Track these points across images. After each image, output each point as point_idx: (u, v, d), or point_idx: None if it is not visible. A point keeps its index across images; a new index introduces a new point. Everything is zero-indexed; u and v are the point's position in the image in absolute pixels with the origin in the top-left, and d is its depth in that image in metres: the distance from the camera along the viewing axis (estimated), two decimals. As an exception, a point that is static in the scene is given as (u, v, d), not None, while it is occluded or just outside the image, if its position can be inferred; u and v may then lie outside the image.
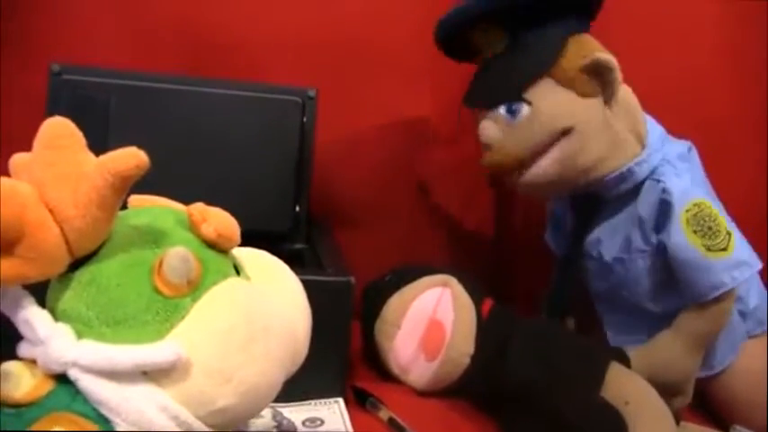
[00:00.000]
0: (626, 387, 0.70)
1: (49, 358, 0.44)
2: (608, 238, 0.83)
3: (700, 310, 0.79)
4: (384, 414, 0.74)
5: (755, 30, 1.06)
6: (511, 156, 0.78)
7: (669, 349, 0.80)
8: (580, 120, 0.77)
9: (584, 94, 0.77)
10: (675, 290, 0.80)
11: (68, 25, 0.95)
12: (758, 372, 0.82)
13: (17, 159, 0.47)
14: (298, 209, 0.87)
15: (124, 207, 0.52)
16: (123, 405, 0.44)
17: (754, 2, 1.05)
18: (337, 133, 0.98)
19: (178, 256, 0.46)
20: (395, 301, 0.81)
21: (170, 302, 0.46)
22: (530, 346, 0.74)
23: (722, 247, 0.77)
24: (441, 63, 0.94)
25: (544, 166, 0.78)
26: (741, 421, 0.79)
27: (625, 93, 0.80)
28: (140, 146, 0.45)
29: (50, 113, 0.49)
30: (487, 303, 0.81)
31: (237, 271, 0.51)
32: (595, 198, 0.83)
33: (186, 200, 0.53)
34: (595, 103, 0.77)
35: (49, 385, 0.44)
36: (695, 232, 0.77)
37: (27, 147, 0.46)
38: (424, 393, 0.79)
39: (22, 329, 0.46)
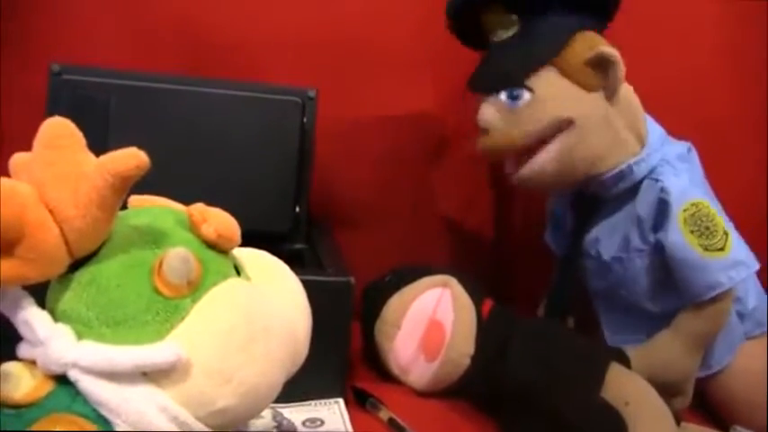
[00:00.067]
0: (626, 387, 0.70)
1: (48, 359, 0.44)
2: (606, 237, 0.83)
3: (698, 311, 0.79)
4: (384, 414, 0.74)
5: (755, 30, 1.06)
6: (507, 141, 0.78)
7: (668, 349, 0.81)
8: (581, 113, 0.77)
9: (586, 87, 0.77)
10: (673, 289, 0.80)
11: (68, 25, 0.95)
12: (757, 372, 0.82)
13: (17, 159, 0.47)
14: (298, 209, 0.87)
15: (124, 207, 0.52)
16: (123, 406, 0.44)
17: (754, 2, 1.05)
18: (337, 133, 0.98)
19: (178, 256, 0.46)
20: (395, 302, 0.81)
21: (170, 303, 0.46)
22: (530, 347, 0.74)
23: (719, 246, 0.77)
24: (441, 63, 0.95)
25: (542, 160, 0.79)
26: (741, 421, 0.79)
27: (626, 91, 0.80)
28: (140, 146, 0.45)
29: (50, 113, 0.49)
30: (487, 304, 0.81)
31: (238, 271, 0.51)
32: (594, 197, 0.84)
33: (186, 200, 0.53)
34: (597, 97, 0.78)
35: (48, 386, 0.44)
36: (692, 232, 0.77)
37: (27, 147, 0.46)
38: (424, 394, 0.79)
39: (22, 330, 0.46)
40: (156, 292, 0.46)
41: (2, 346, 0.46)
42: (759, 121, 1.06)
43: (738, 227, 0.82)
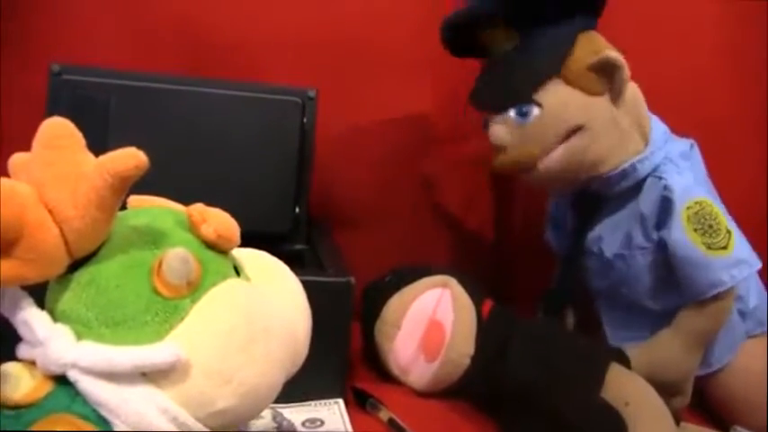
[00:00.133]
0: (626, 388, 0.70)
1: (48, 359, 0.44)
2: (609, 235, 0.83)
3: (699, 309, 0.79)
4: (384, 415, 0.74)
5: (755, 30, 1.06)
6: (525, 157, 0.79)
7: (668, 348, 0.81)
8: (589, 118, 0.77)
9: (592, 93, 0.77)
10: (675, 287, 0.80)
11: (68, 25, 0.95)
12: (758, 372, 0.82)
13: (16, 159, 0.47)
14: (298, 210, 0.87)
15: (123, 207, 0.52)
16: (123, 406, 0.44)
17: (754, 2, 1.05)
18: (337, 134, 0.98)
19: (178, 257, 0.46)
20: (395, 302, 0.81)
21: (169, 303, 0.46)
22: (530, 347, 0.74)
23: (722, 245, 0.77)
24: (441, 63, 0.94)
25: (550, 163, 0.79)
26: (741, 421, 0.79)
27: (632, 90, 0.80)
28: (140, 146, 0.45)
29: (50, 113, 0.49)
30: (487, 304, 0.81)
31: (237, 272, 0.51)
32: (597, 195, 0.84)
33: (186, 200, 0.53)
34: (603, 100, 0.78)
35: (48, 387, 0.44)
36: (695, 230, 0.77)
37: (27, 147, 0.46)
38: (424, 394, 0.79)
39: (21, 331, 0.46)
40: (156, 292, 0.46)
41: (1, 346, 0.46)
42: (759, 120, 1.06)
43: (738, 226, 0.82)
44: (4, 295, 0.46)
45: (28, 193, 0.44)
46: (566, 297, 0.91)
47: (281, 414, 0.68)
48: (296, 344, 0.53)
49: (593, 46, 0.78)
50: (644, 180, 0.80)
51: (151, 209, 0.52)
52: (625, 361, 0.76)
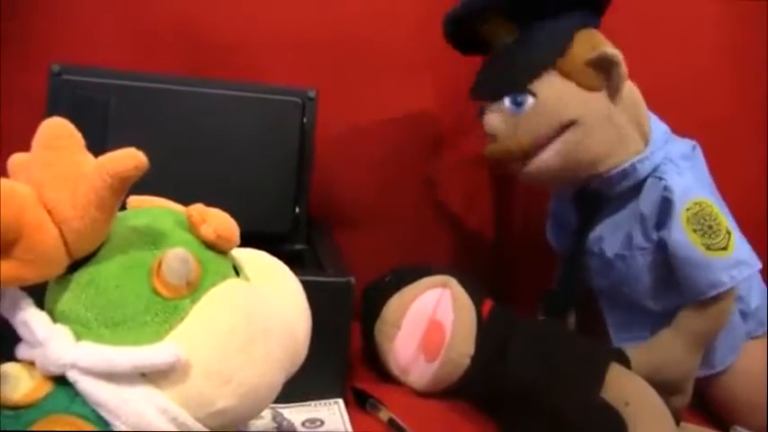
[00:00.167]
0: (626, 388, 0.70)
1: (47, 360, 0.44)
2: (610, 235, 0.83)
3: (700, 309, 0.79)
4: (384, 415, 0.74)
5: (755, 30, 1.06)
6: (515, 146, 0.79)
7: (668, 348, 0.81)
8: (584, 112, 0.77)
9: (588, 88, 0.77)
10: (675, 288, 0.80)
11: (68, 25, 0.95)
12: (759, 373, 0.82)
13: (15, 160, 0.47)
14: (298, 210, 0.87)
15: (123, 208, 0.52)
16: (122, 407, 0.44)
17: (754, 2, 1.05)
18: (337, 134, 0.98)
19: (177, 257, 0.46)
20: (395, 302, 0.80)
21: (169, 304, 0.46)
22: (530, 347, 0.74)
23: (722, 246, 0.77)
24: (441, 63, 0.95)
25: (546, 158, 0.79)
26: (741, 422, 0.79)
27: (630, 89, 0.80)
28: (140, 146, 0.45)
29: (50, 114, 0.49)
30: (487, 304, 0.81)
31: (237, 272, 0.51)
32: (598, 195, 0.84)
33: (186, 201, 0.53)
34: (600, 96, 0.78)
35: (47, 387, 0.44)
36: (695, 231, 0.77)
37: (27, 147, 0.46)
38: (423, 394, 0.79)
39: (21, 331, 0.46)
40: (155, 292, 0.46)
41: (1, 346, 0.46)
42: (759, 120, 1.06)
43: (739, 226, 0.82)
44: (3, 296, 0.46)
45: (27, 193, 0.44)
46: (567, 297, 0.91)
47: (281, 414, 0.68)
48: (295, 344, 0.53)
49: (591, 42, 0.78)
50: (644, 180, 0.80)
51: (151, 209, 0.52)
52: (625, 361, 0.76)
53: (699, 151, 0.85)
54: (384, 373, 0.82)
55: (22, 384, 0.44)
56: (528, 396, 0.70)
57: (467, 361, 0.77)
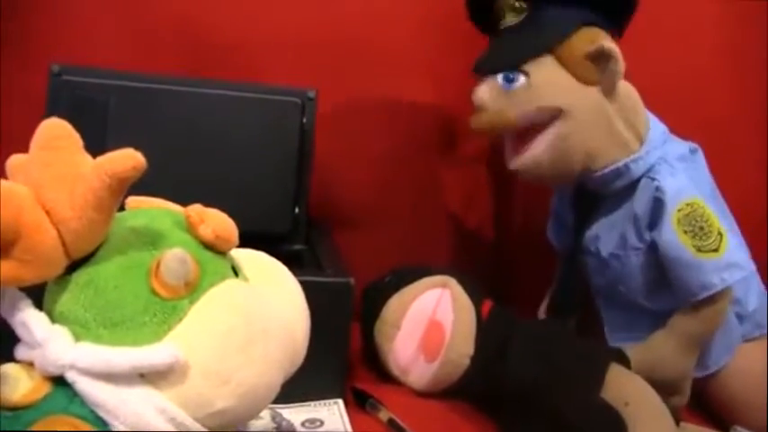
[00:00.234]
0: (626, 388, 0.70)
1: (46, 361, 0.44)
2: (605, 234, 0.84)
3: (693, 311, 0.80)
4: (384, 415, 0.74)
5: (755, 30, 1.06)
6: (501, 119, 0.79)
7: (662, 348, 0.81)
8: (574, 104, 0.78)
9: (583, 80, 0.78)
10: (668, 288, 0.80)
11: (68, 25, 0.95)
12: (757, 375, 0.81)
13: (14, 161, 0.47)
14: (297, 210, 0.87)
15: (122, 208, 0.52)
16: (121, 407, 0.44)
17: (754, 2, 1.05)
18: (337, 134, 0.98)
19: (176, 257, 0.46)
20: (394, 302, 0.80)
21: (167, 304, 0.46)
22: (530, 348, 0.74)
23: (713, 248, 0.77)
24: (441, 63, 0.95)
25: (536, 150, 0.79)
26: (740, 422, 0.79)
27: (626, 89, 0.80)
28: (139, 147, 0.45)
29: (50, 114, 0.49)
30: (487, 304, 0.81)
31: (236, 272, 0.51)
32: (594, 194, 0.84)
33: (185, 201, 0.53)
34: (593, 91, 0.78)
35: (46, 388, 0.44)
36: (686, 232, 0.77)
37: (26, 147, 0.46)
38: (423, 394, 0.79)
39: (20, 332, 0.46)
40: (154, 293, 0.46)
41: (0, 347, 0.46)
42: (759, 120, 1.06)
43: (739, 226, 0.82)
44: (2, 296, 0.46)
45: (25, 194, 0.44)
46: (570, 296, 0.91)
47: (281, 414, 0.68)
48: (294, 344, 0.53)
49: (594, 36, 0.78)
50: (639, 180, 0.80)
51: (149, 210, 0.52)
52: (625, 361, 0.76)
53: (700, 154, 0.85)
54: (384, 374, 0.82)
55: (21, 385, 0.44)
56: (528, 396, 0.70)
57: (466, 361, 0.77)
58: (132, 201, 0.54)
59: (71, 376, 0.44)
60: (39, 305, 0.47)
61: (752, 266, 0.81)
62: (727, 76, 1.06)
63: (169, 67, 0.92)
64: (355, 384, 0.79)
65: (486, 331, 0.78)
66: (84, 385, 0.44)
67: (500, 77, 0.79)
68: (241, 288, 0.50)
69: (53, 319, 0.46)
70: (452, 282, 0.80)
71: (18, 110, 0.89)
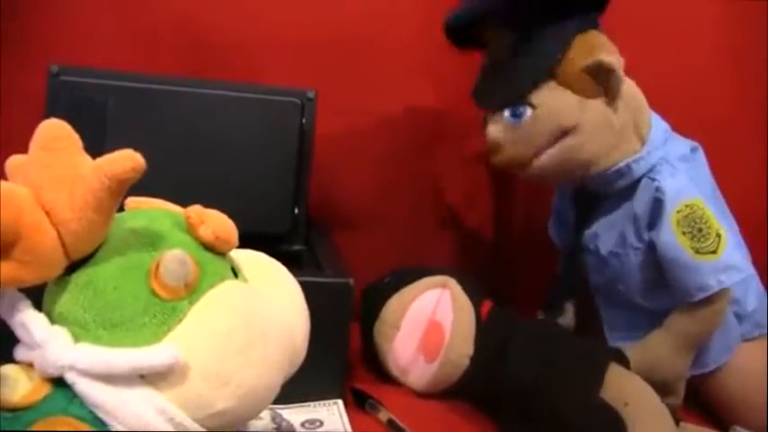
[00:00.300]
0: (625, 388, 0.70)
1: (45, 362, 0.44)
2: (605, 233, 0.84)
3: (690, 311, 0.80)
4: (383, 415, 0.74)
5: (755, 30, 1.06)
6: (517, 156, 0.80)
7: (659, 348, 0.81)
8: (582, 120, 0.78)
9: (586, 95, 0.78)
10: (666, 288, 0.80)
11: (68, 25, 0.95)
12: (757, 375, 0.81)
13: (13, 161, 0.47)
14: (297, 211, 0.87)
15: (121, 209, 0.51)
16: (120, 408, 0.44)
17: (754, 2, 1.05)
18: (337, 134, 0.98)
19: (175, 258, 0.46)
20: (394, 303, 0.80)
21: (167, 305, 0.46)
22: (529, 348, 0.74)
23: (711, 249, 0.77)
24: (441, 63, 0.95)
25: (545, 161, 0.79)
26: (739, 422, 0.79)
27: (629, 89, 0.80)
28: (138, 147, 0.45)
29: (49, 115, 0.49)
30: (487, 305, 0.81)
31: (235, 273, 0.51)
32: (595, 193, 0.84)
33: (184, 202, 0.53)
34: (597, 102, 0.78)
35: (45, 389, 0.44)
36: (684, 233, 0.77)
37: (26, 148, 0.46)
38: (423, 395, 0.79)
39: (19, 333, 0.46)
40: (153, 294, 0.46)
41: (-1, 348, 0.46)
42: (759, 120, 1.06)
43: (739, 226, 0.82)
44: (1, 297, 0.46)
45: (25, 195, 0.44)
46: (569, 290, 0.92)
47: (280, 415, 0.68)
48: (294, 345, 0.53)
49: (589, 48, 0.77)
50: (640, 180, 0.80)
51: (149, 211, 0.52)
52: (624, 361, 0.76)
53: (700, 153, 0.85)
54: (383, 374, 0.82)
55: (20, 386, 0.44)
56: (527, 396, 0.70)
57: (466, 361, 0.77)
58: (132, 201, 0.54)
59: (70, 377, 0.44)
60: (38, 306, 0.47)
61: (750, 268, 0.81)
62: (727, 76, 1.06)
63: (169, 68, 0.92)
64: (355, 385, 0.79)
65: (485, 331, 0.78)
66: (83, 386, 0.44)
67: (507, 114, 0.79)
68: (241, 289, 0.50)
69: (52, 320, 0.46)
70: (452, 282, 0.80)
71: (17, 110, 0.89)
